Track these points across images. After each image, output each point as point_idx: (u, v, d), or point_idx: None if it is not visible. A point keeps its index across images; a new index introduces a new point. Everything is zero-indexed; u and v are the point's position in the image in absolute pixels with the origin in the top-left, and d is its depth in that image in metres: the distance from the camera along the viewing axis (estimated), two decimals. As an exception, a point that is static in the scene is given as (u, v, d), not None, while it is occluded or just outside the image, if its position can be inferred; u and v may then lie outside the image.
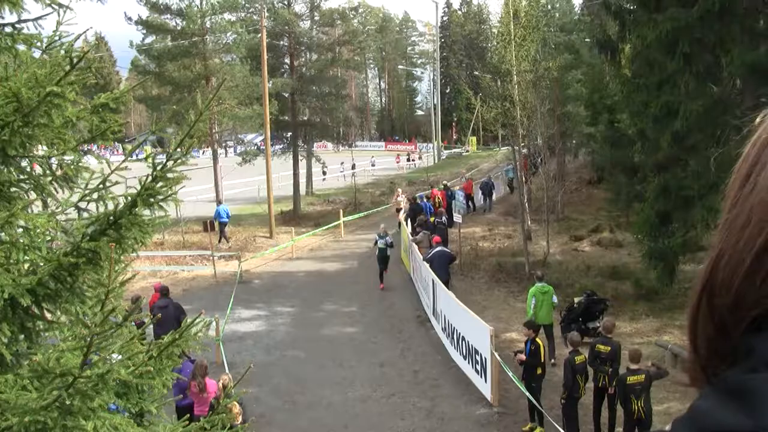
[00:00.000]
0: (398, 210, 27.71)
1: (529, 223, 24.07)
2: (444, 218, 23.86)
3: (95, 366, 3.53)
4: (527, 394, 10.61)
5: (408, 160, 65.52)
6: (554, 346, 13.49)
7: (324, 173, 51.92)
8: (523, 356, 10.61)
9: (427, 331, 16.04)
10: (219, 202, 27.95)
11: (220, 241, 25.93)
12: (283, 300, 19.26)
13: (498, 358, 11.32)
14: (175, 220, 27.59)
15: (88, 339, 3.42)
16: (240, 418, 7.93)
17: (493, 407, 11.45)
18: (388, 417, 11.42)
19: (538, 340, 10.64)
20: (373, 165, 61.29)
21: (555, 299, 13.84)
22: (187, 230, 28.09)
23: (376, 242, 20.26)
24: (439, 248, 17.64)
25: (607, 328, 10.55)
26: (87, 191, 4.27)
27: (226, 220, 26.78)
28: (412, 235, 21.65)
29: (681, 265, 15.45)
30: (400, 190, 29.59)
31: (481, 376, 11.96)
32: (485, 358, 11.61)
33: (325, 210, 36.07)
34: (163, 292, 13.48)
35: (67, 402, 3.46)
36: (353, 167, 59.16)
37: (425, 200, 26.85)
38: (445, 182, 32.24)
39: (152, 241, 25.76)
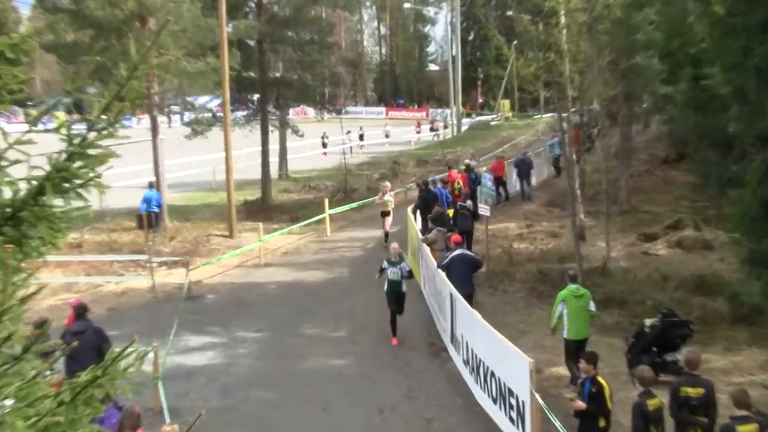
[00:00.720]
0: (385, 214, 26.55)
1: (583, 216, 24.00)
2: (468, 204, 23.94)
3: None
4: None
5: (431, 130, 65.81)
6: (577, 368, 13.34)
7: (324, 145, 52.10)
8: (580, 403, 10.50)
9: (442, 364, 16.02)
10: (150, 186, 28.08)
11: (154, 239, 26.02)
12: (247, 322, 19.24)
13: (541, 401, 11.21)
14: (99, 213, 27.62)
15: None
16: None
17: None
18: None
19: (600, 379, 10.52)
20: (387, 136, 61.50)
21: (593, 306, 14.39)
22: (116, 227, 28.07)
23: (382, 270, 17.79)
24: (459, 251, 17.61)
25: (690, 362, 10.36)
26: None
27: (156, 209, 26.93)
28: (423, 233, 21.62)
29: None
30: (388, 184, 28.06)
31: (517, 427, 11.88)
32: (523, 402, 11.51)
33: (304, 199, 36.09)
34: (79, 312, 13.25)
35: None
36: (361, 138, 59.34)
37: (440, 186, 26.77)
38: (467, 161, 32.21)
39: (67, 242, 25.79)
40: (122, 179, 33.32)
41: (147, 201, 26.78)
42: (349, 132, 54.06)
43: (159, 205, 27.29)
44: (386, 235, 26.14)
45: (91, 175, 4.04)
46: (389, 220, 26.28)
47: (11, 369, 3.68)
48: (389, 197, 26.52)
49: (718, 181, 22.37)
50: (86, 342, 11.80)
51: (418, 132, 66.02)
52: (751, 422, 8.90)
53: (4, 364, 3.47)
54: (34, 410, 3.71)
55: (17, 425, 3.44)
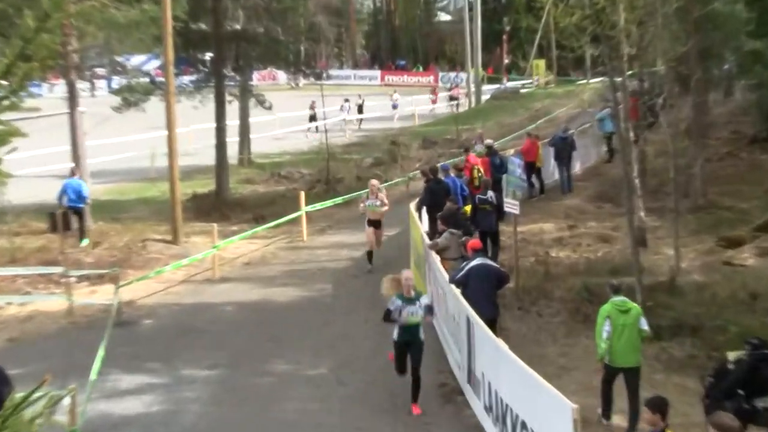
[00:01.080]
0: (374, 224, 24.90)
1: (643, 215, 23.94)
2: (490, 195, 23.79)
3: None
4: None
5: (451, 99, 65.83)
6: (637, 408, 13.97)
7: (312, 118, 51.95)
8: None
9: (457, 412, 15.97)
10: (73, 173, 28.22)
11: (81, 240, 26.64)
12: (197, 356, 19.18)
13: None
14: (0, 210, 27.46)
15: None
16: None
17: None
18: None
19: (670, 432, 10.48)
20: (395, 107, 61.58)
21: (644, 324, 14.84)
22: (21, 229, 27.94)
23: (390, 314, 16.05)
24: (479, 260, 17.58)
25: None
26: None
27: (81, 205, 27.13)
28: (431, 237, 21.51)
29: None
30: (376, 183, 26.35)
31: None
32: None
33: (273, 192, 36.07)
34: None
35: None
36: (360, 110, 59.36)
37: (453, 175, 26.67)
38: (489, 142, 32.14)
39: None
40: (30, 165, 33.09)
41: (69, 192, 26.85)
42: (347, 101, 54.17)
43: (83, 198, 27.25)
44: (369, 255, 25.13)
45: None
46: (379, 234, 25.15)
47: None
48: (374, 202, 24.71)
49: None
50: None
51: (434, 102, 65.94)
52: None
53: None
54: None
55: None
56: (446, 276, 18.20)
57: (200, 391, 17.30)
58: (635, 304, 15.17)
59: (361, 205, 25.16)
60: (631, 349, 14.47)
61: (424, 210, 24.88)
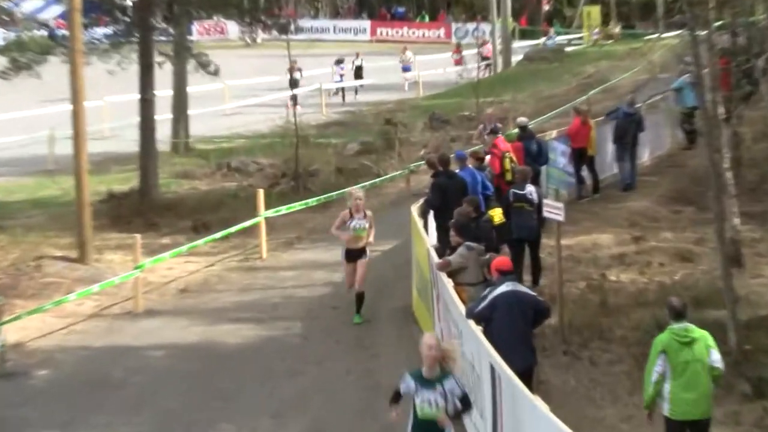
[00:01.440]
0: (356, 255, 23.15)
1: (738, 222, 23.89)
2: (529, 191, 23.66)
3: None
4: None
5: (483, 60, 65.66)
6: None
7: (294, 83, 51.75)
8: None
9: None
10: None
11: None
12: (112, 419, 19.10)
13: None
14: None
15: None
16: None
17: None
18: None
19: None
20: (406, 70, 61.72)
21: (716, 359, 14.63)
22: None
23: (398, 397, 14.88)
24: (507, 285, 17.37)
25: None
26: None
27: None
28: (441, 254, 21.39)
29: None
30: (360, 194, 24.11)
31: None
32: None
33: (220, 190, 36.12)
34: None
35: None
36: (358, 74, 59.52)
37: (472, 165, 26.59)
38: (523, 120, 32.06)
39: None
40: None
41: None
42: (340, 62, 54.26)
43: None
44: (359, 299, 23.56)
45: None
46: (362, 268, 23.17)
47: None
48: (359, 222, 22.95)
49: None
50: None
51: (458, 63, 65.78)
52: None
53: None
54: None
55: None
56: (462, 308, 17.89)
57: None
58: (704, 332, 14.94)
59: (335, 231, 23.38)
60: (700, 395, 14.36)
61: (431, 215, 24.80)
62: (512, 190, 24.03)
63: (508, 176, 26.63)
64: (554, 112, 44.81)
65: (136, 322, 24.58)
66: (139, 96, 34.61)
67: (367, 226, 22.94)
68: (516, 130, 30.83)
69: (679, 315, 14.92)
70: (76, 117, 27.88)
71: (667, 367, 14.51)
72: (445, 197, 24.27)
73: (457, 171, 25.60)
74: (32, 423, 18.77)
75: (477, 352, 16.57)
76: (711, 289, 22.10)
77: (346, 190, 31.37)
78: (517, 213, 23.28)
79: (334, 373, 20.72)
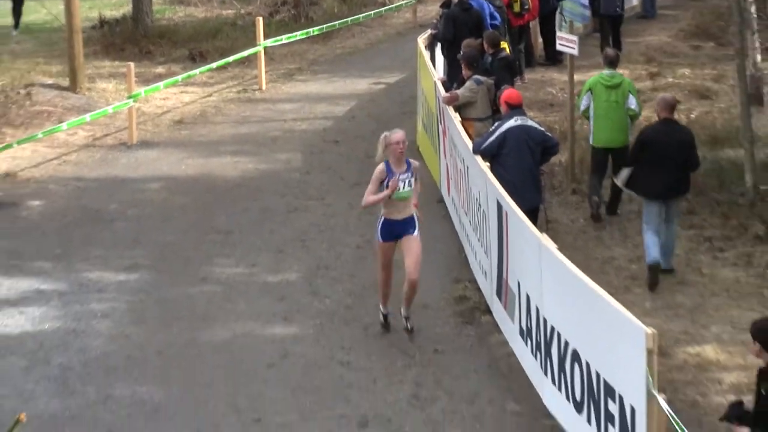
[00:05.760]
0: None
1: (760, 59, 23.92)
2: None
3: None
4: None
5: None
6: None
7: None
8: (745, 429, 10.60)
9: (481, 338, 16.17)
10: None
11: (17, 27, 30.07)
12: (107, 252, 19.41)
13: (667, 409, 11.39)
14: None
15: None
16: None
17: None
18: None
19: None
20: None
21: (633, 103, 19.40)
22: None
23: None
24: (516, 119, 17.52)
25: None
26: None
27: None
28: (447, 87, 21.43)
29: None
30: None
31: (621, 457, 12.09)
32: (633, 410, 11.71)
33: (217, 19, 35.84)
34: None
35: None
36: None
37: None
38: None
39: None
40: None
41: None
42: None
43: None
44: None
45: None
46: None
47: None
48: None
49: None
50: None
51: None
52: None
53: None
54: None
55: None
56: (469, 144, 18.01)
57: (112, 303, 17.48)
58: (628, 80, 19.87)
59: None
60: (617, 129, 19.14)
61: (438, 48, 24.79)
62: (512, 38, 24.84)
63: (516, 8, 26.66)
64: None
65: (131, 153, 24.73)
66: None
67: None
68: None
69: (611, 63, 19.72)
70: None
71: (591, 103, 19.39)
72: (455, 29, 24.24)
73: (470, 2, 25.46)
74: (25, 255, 19.12)
75: (484, 188, 16.75)
76: (729, 127, 22.23)
77: (349, 19, 31.51)
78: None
79: (335, 210, 21.02)
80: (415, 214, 15.46)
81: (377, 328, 16.36)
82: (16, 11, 33.05)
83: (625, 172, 18.00)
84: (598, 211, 19.53)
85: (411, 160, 15.51)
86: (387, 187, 14.92)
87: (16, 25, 33.03)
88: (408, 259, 14.99)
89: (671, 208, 17.73)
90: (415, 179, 15.52)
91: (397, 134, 15.07)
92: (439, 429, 13.47)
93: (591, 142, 19.98)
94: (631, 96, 19.30)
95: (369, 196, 15.19)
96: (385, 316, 15.62)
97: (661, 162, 17.33)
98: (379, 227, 15.26)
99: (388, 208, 15.08)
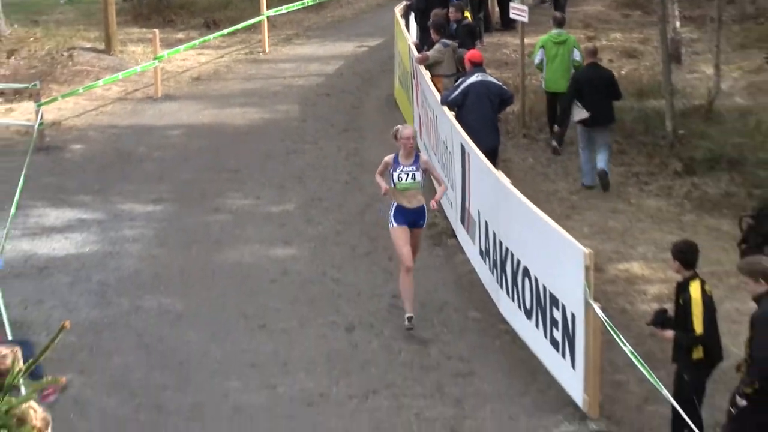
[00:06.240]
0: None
1: (678, 25, 23.84)
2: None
3: None
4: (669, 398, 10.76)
5: None
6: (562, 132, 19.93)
7: None
8: (669, 332, 10.64)
9: (447, 258, 16.24)
10: None
11: None
12: (138, 188, 19.35)
13: (602, 315, 11.41)
14: None
15: None
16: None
17: (590, 421, 11.65)
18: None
19: (694, 286, 10.55)
20: None
21: (577, 55, 20.30)
22: None
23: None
24: (478, 76, 17.45)
25: None
26: None
27: None
28: (419, 49, 21.42)
29: None
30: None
31: (563, 355, 12.10)
32: (573, 316, 11.74)
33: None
34: None
35: None
36: None
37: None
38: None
39: None
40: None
41: None
42: None
43: None
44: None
45: None
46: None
47: None
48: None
49: None
50: None
51: None
52: None
53: None
54: None
55: None
56: (438, 96, 18.00)
57: (141, 230, 17.50)
58: (572, 37, 21.19)
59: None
60: (562, 75, 19.94)
61: (412, 16, 24.69)
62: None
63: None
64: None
65: (156, 105, 24.61)
66: None
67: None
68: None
69: (559, 24, 21.06)
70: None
71: (544, 57, 20.50)
72: (428, 1, 24.13)
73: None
74: (69, 190, 19.10)
75: (450, 133, 16.86)
76: (653, 82, 22.24)
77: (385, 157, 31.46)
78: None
79: (327, 152, 20.96)
80: (425, 205, 13.80)
81: (363, 249, 16.50)
82: None
83: (578, 112, 18.65)
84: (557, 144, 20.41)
85: (420, 154, 14.17)
86: (391, 177, 13.62)
87: None
88: (412, 246, 13.66)
89: (599, 134, 18.66)
90: (439, 182, 14.20)
91: (408, 130, 13.87)
92: (412, 333, 13.55)
93: (543, 87, 21.15)
94: (575, 50, 20.28)
95: (377, 177, 14.08)
96: (410, 318, 13.43)
97: (590, 96, 18.46)
98: (392, 213, 13.60)
99: (396, 197, 13.57)
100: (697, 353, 10.46)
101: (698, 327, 10.31)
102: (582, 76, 19.09)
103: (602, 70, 19.51)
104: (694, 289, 10.44)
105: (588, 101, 18.45)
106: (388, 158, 13.68)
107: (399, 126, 14.59)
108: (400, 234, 13.49)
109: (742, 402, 9.76)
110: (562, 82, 19.72)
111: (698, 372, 10.59)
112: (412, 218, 13.52)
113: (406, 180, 13.39)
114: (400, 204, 13.47)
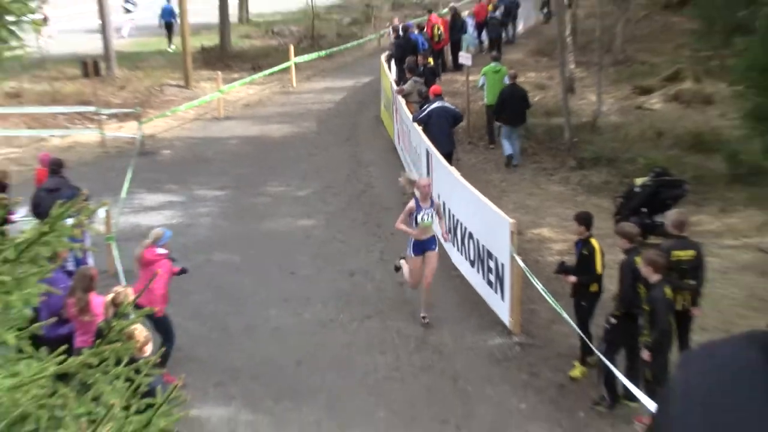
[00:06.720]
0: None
1: (573, 67, 23.84)
2: (498, 13, 26.61)
3: None
4: (571, 322, 10.79)
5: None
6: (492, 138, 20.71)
7: None
8: (572, 277, 10.68)
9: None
10: (167, 1, 33.38)
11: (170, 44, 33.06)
12: (207, 179, 19.32)
13: (522, 265, 11.43)
14: (38, 59, 27.10)
15: None
16: (147, 350, 7.97)
17: (513, 336, 11.69)
18: (362, 349, 11.59)
19: (593, 241, 10.57)
20: None
21: (507, 80, 20.02)
22: (58, 75, 27.58)
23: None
24: (438, 103, 17.44)
25: (678, 224, 10.30)
26: None
27: (172, 20, 32.14)
28: (398, 84, 21.48)
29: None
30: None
31: (496, 291, 12.13)
32: (502, 265, 11.75)
33: (267, 46, 35.46)
34: (54, 167, 13.41)
35: None
36: None
37: (417, 32, 26.36)
38: (453, 5, 31.65)
39: (3, 92, 25.27)
40: (64, 22, 32.52)
41: (165, 14, 33.59)
42: None
43: (174, 16, 31.62)
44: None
45: (25, 9, 3.93)
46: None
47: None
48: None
49: (724, 27, 21.86)
50: (60, 200, 11.74)
51: None
52: (689, 248, 10.10)
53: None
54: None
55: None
56: (410, 116, 18.07)
57: (210, 208, 17.52)
58: (504, 68, 21.09)
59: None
60: (496, 94, 19.72)
61: (392, 61, 24.74)
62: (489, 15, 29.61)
63: (436, 39, 26.75)
64: (466, 0, 44.03)
65: (219, 123, 24.55)
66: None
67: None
68: (446, 11, 30.41)
69: (496, 60, 21.25)
70: (182, 6, 27.52)
71: (486, 82, 20.70)
72: (402, 51, 24.08)
73: (409, 35, 25.34)
74: (161, 181, 19.10)
75: (418, 142, 16.81)
76: (555, 106, 22.15)
77: (341, 47, 31.32)
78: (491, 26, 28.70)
79: (335, 155, 20.90)
80: (435, 236, 12.46)
81: (360, 221, 16.50)
82: (169, 36, 34.00)
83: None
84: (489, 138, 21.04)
85: (434, 199, 12.59)
86: (414, 219, 11.98)
87: (170, 43, 33.73)
88: (426, 269, 12.21)
89: (515, 131, 19.30)
90: (440, 218, 12.74)
91: (425, 179, 12.62)
92: (394, 276, 13.53)
93: (485, 102, 20.97)
94: (506, 77, 20.28)
95: (399, 224, 12.28)
96: (425, 318, 12.21)
97: (510, 107, 19.05)
98: (411, 246, 12.18)
99: (417, 233, 12.06)
100: (594, 287, 10.55)
101: (599, 268, 10.43)
102: (506, 92, 19.34)
103: (519, 88, 19.65)
104: (595, 243, 10.53)
105: (509, 109, 19.08)
106: (411, 205, 12.06)
107: (417, 177, 13.30)
108: (415, 263, 12.16)
109: (613, 320, 9.91)
110: (496, 99, 19.67)
111: (593, 301, 10.65)
112: (425, 247, 12.15)
113: (427, 220, 11.95)
114: (418, 239, 12.05)
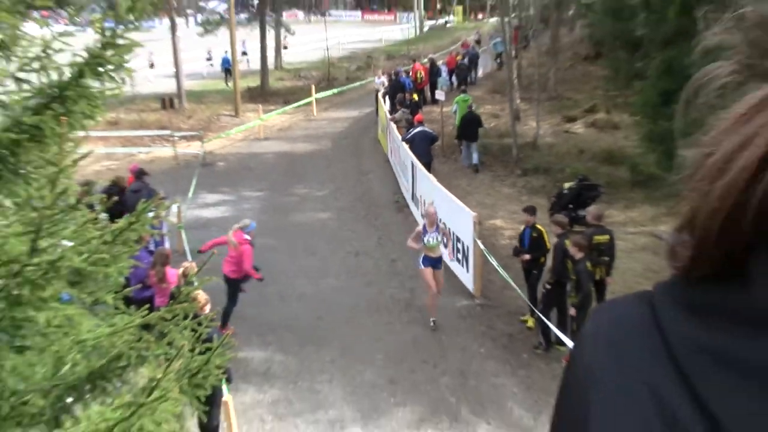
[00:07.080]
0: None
1: (518, 101, 23.84)
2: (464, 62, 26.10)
3: (45, 253, 3.45)
4: (519, 288, 10.79)
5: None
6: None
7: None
8: (527, 255, 10.71)
9: (405, 218, 16.11)
10: (225, 53, 32.75)
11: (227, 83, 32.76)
12: (251, 183, 19.21)
13: (481, 246, 11.46)
14: (130, 96, 27.05)
15: (37, 222, 3.33)
16: (207, 309, 8.00)
17: (475, 299, 11.71)
18: (364, 309, 11.61)
19: (539, 226, 10.69)
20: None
21: (472, 107, 20.09)
22: (145, 108, 27.53)
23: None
24: (420, 128, 17.46)
25: (595, 215, 10.54)
26: (26, 59, 4.03)
27: (229, 66, 31.48)
28: (391, 114, 21.47)
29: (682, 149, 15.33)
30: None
31: (463, 266, 12.15)
32: (467, 247, 11.77)
33: (295, 86, 35.36)
34: (137, 174, 13.42)
35: (15, 292, 3.41)
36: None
37: (404, 76, 26.38)
38: (431, 56, 31.60)
39: (105, 120, 25.22)
40: (147, 69, 32.43)
41: (224, 63, 33.81)
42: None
43: (230, 64, 30.61)
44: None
45: (121, 61, 3.95)
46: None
47: (67, 216, 3.69)
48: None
49: (626, 75, 22.04)
50: (142, 198, 11.78)
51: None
52: (605, 234, 10.16)
53: (61, 212, 3.48)
54: (86, 248, 3.76)
55: (74, 259, 3.49)
56: (399, 137, 18.02)
57: (253, 204, 17.41)
58: (470, 97, 21.22)
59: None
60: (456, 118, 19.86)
61: (387, 98, 24.70)
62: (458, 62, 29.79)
63: (419, 80, 26.73)
64: (442, 51, 43.91)
65: (260, 143, 24.36)
66: (259, 44, 33.60)
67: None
68: (425, 60, 30.34)
69: (464, 92, 21.46)
70: (233, 53, 27.44)
71: (457, 108, 20.40)
72: (394, 90, 23.91)
73: (400, 78, 25.31)
74: (217, 185, 18.97)
75: (406, 156, 16.64)
76: (506, 130, 21.96)
77: (349, 86, 31.28)
78: (460, 70, 29.19)
79: (345, 165, 20.77)
80: (442, 257, 11.29)
81: (363, 214, 16.41)
82: (226, 78, 33.94)
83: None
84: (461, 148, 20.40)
85: (439, 225, 11.80)
86: (422, 240, 10.91)
87: (227, 82, 33.54)
88: (437, 284, 11.00)
89: (471, 145, 19.34)
90: (445, 245, 12.19)
91: (432, 208, 11.33)
92: (388, 256, 13.53)
93: (456, 124, 20.42)
94: (472, 104, 20.38)
95: (410, 242, 11.15)
96: (434, 321, 10.96)
97: (469, 127, 19.13)
98: (422, 259, 11.03)
99: (426, 251, 10.90)
100: (542, 260, 10.58)
101: (548, 244, 10.47)
102: (465, 116, 19.30)
103: (475, 114, 19.67)
104: (540, 227, 10.64)
105: (468, 128, 19.16)
106: (419, 229, 11.05)
107: (427, 206, 12.54)
108: (427, 272, 10.94)
109: (548, 286, 9.94)
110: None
111: (540, 270, 10.64)
112: (433, 262, 10.95)
113: (434, 241, 10.81)
114: (427, 255, 10.93)
